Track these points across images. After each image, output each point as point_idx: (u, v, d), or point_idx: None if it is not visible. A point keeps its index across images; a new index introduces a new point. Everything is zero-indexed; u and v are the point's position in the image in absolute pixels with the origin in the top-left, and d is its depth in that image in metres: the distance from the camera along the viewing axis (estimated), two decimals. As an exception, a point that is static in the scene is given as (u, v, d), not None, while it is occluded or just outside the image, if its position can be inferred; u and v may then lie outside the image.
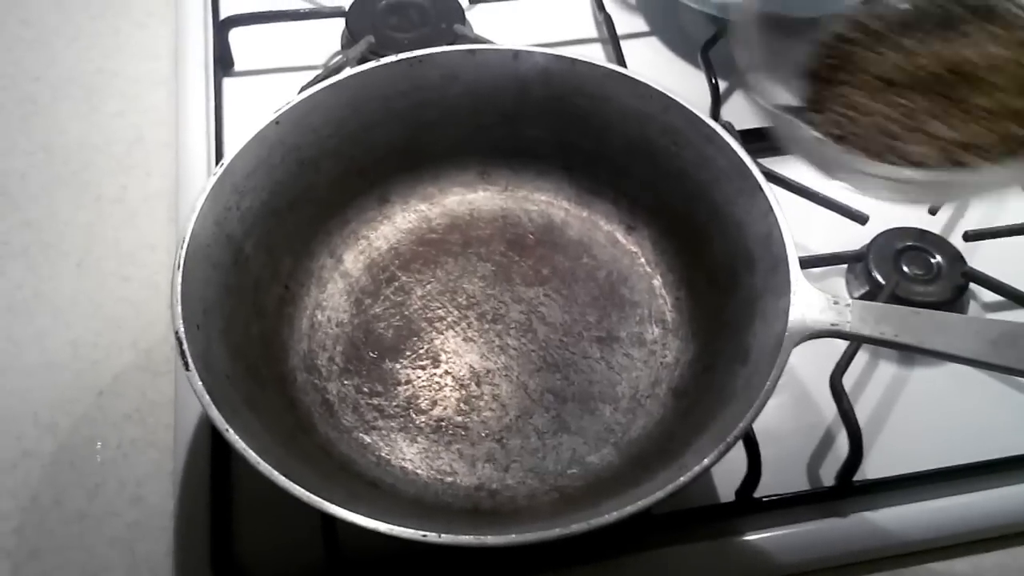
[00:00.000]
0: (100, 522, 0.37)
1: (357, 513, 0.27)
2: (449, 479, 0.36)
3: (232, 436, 0.28)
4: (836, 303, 0.33)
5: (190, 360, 0.30)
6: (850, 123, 0.29)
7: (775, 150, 0.48)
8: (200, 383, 0.29)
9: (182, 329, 0.31)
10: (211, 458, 0.37)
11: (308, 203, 0.41)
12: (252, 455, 0.28)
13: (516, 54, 0.42)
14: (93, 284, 0.44)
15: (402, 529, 0.27)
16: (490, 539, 0.27)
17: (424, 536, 0.27)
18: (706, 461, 0.29)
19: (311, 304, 0.40)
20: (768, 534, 0.36)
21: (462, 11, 0.53)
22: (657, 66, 0.53)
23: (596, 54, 0.53)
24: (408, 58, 0.42)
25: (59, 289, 0.44)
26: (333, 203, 0.42)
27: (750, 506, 0.36)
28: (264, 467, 0.28)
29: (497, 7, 0.55)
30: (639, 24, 0.55)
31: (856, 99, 0.30)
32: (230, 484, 0.36)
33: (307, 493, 0.27)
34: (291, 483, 0.27)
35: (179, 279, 0.32)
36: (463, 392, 0.38)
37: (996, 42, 0.29)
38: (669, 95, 0.40)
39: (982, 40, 0.29)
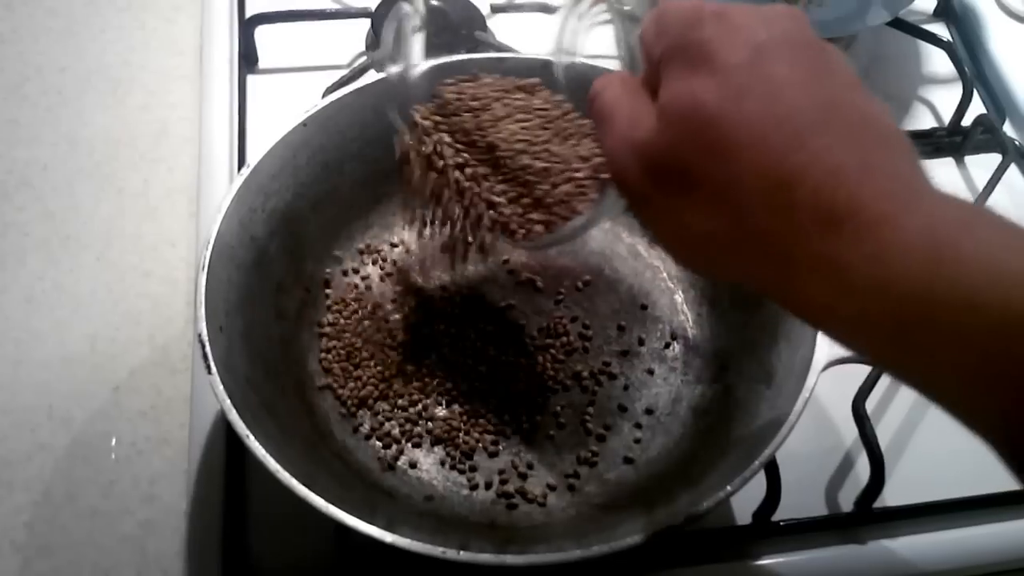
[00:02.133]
0: (113, 519, 0.37)
1: (376, 526, 0.27)
2: (465, 491, 0.35)
3: (253, 443, 0.28)
4: (865, 329, 0.32)
5: (212, 363, 0.30)
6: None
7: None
8: (222, 387, 0.29)
9: (205, 331, 0.30)
10: (225, 458, 0.37)
11: (331, 206, 0.40)
12: (272, 463, 0.28)
13: (545, 64, 0.42)
14: (113, 278, 0.44)
15: (422, 545, 0.27)
16: (509, 559, 0.27)
17: (443, 553, 0.27)
18: (730, 487, 0.28)
19: (331, 308, 0.40)
20: (785, 559, 0.36)
21: (484, 19, 0.53)
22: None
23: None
24: (436, 64, 0.41)
25: (79, 282, 0.43)
26: (355, 207, 0.42)
27: (767, 529, 0.36)
28: (284, 476, 0.28)
29: (518, 17, 0.55)
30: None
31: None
32: (244, 485, 0.36)
33: (329, 506, 0.27)
34: (313, 494, 0.27)
35: (203, 280, 0.32)
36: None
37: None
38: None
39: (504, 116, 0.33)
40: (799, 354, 0.32)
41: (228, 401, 0.29)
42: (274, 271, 0.37)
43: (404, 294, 0.41)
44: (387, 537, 0.27)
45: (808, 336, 0.32)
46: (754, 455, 0.29)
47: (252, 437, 0.28)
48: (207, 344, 0.30)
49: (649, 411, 0.38)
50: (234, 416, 0.29)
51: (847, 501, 0.37)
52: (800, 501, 0.37)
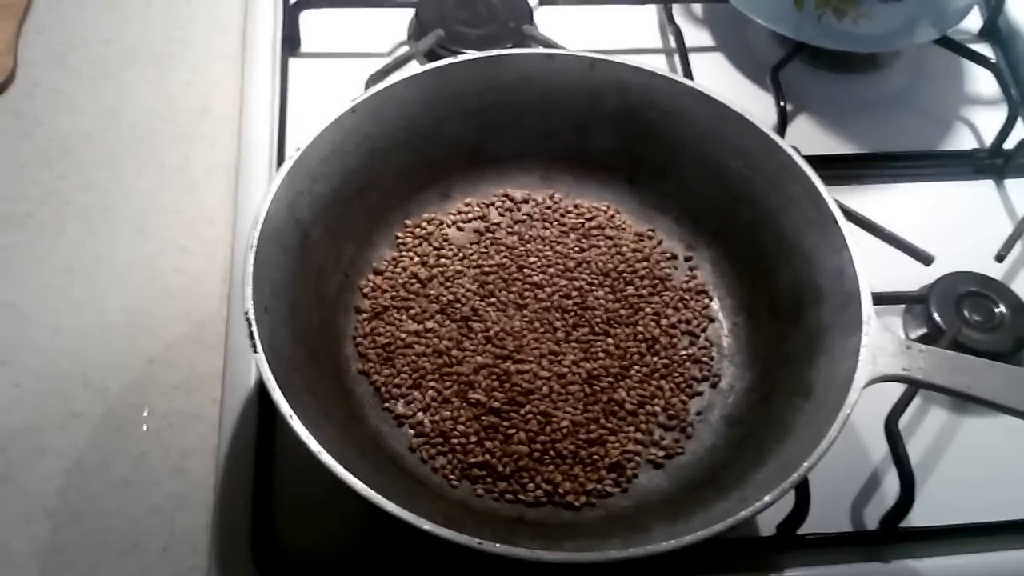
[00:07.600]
0: (143, 490, 0.37)
1: (414, 514, 0.27)
2: (494, 486, 0.35)
3: (296, 423, 0.28)
4: (909, 348, 0.32)
5: (258, 342, 0.30)
6: None
7: (840, 179, 0.48)
8: (267, 366, 0.29)
9: (252, 310, 0.31)
10: (256, 436, 0.37)
11: (374, 193, 0.41)
12: (315, 444, 0.28)
13: (593, 62, 0.42)
14: (151, 251, 0.44)
15: (462, 536, 0.27)
16: (546, 555, 0.27)
17: (480, 544, 0.27)
18: (767, 498, 0.29)
19: (368, 295, 0.40)
20: (807, 572, 0.36)
21: (530, 11, 0.53)
22: (721, 82, 0.52)
23: (661, 65, 0.53)
24: (485, 57, 0.41)
25: (117, 254, 0.44)
26: (398, 195, 0.42)
27: (792, 542, 0.36)
28: (326, 457, 0.28)
29: (565, 9, 0.54)
30: (705, 38, 0.55)
31: None
32: (273, 462, 0.36)
33: (369, 490, 0.27)
34: (354, 478, 0.27)
35: (251, 259, 0.32)
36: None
37: None
38: (747, 117, 0.40)
39: None
40: (840, 369, 0.32)
41: (273, 380, 0.29)
42: (316, 255, 0.37)
43: (440, 284, 0.41)
44: (425, 525, 0.27)
45: (850, 351, 0.32)
46: (791, 469, 0.29)
47: (296, 417, 0.28)
48: (254, 323, 0.30)
49: (681, 417, 0.38)
50: (279, 396, 0.29)
51: (872, 519, 0.37)
52: (823, 516, 0.37)
